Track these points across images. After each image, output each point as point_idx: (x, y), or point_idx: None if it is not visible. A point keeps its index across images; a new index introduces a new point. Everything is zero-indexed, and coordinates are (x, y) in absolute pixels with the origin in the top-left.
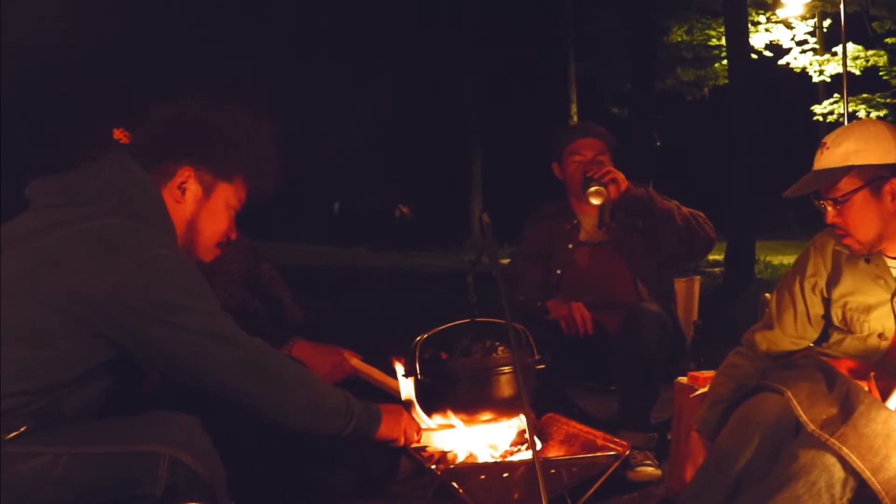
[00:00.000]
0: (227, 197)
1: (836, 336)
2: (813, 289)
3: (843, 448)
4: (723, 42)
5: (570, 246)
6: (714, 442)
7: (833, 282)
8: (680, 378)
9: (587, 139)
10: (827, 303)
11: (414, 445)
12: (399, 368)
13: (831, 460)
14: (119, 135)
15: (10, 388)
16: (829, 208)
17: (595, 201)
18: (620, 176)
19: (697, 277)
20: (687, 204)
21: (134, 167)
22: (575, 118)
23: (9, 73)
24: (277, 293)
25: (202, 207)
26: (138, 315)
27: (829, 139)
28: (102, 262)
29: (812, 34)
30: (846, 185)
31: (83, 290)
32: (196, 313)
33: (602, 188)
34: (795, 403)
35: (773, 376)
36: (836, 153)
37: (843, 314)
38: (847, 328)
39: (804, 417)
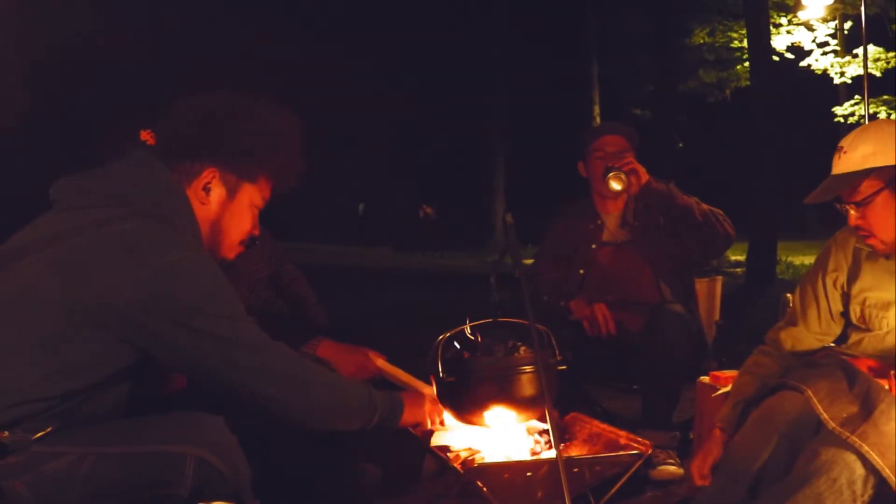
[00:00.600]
0: (251, 197)
1: (854, 336)
2: (835, 284)
3: (864, 446)
4: (744, 44)
5: (594, 246)
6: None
7: (853, 278)
8: (702, 377)
9: (611, 137)
10: (847, 299)
11: (438, 444)
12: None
13: (852, 457)
14: (146, 136)
15: (35, 392)
16: (852, 211)
17: (615, 185)
18: (641, 169)
19: (719, 278)
20: (708, 204)
21: (159, 168)
22: (598, 119)
23: (40, 74)
24: (301, 293)
25: (226, 208)
26: (161, 320)
27: (845, 143)
28: (125, 267)
29: (833, 36)
30: (867, 187)
31: (107, 295)
32: (218, 318)
33: (622, 173)
34: (816, 402)
35: (794, 375)
36: (853, 157)
37: (862, 311)
38: (866, 326)
39: (825, 415)
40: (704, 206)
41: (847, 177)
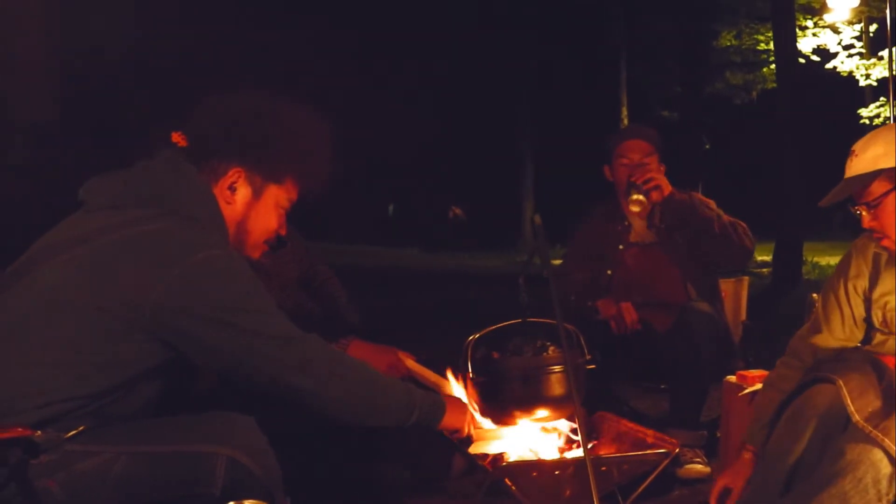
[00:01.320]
0: (277, 198)
1: (879, 337)
2: (856, 290)
3: (886, 440)
4: (771, 46)
5: (621, 247)
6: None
7: (874, 283)
8: (729, 377)
9: (634, 141)
10: (868, 304)
11: (472, 446)
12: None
13: (878, 456)
14: (177, 138)
15: (66, 392)
16: (864, 213)
17: (634, 209)
18: (664, 182)
19: (746, 278)
20: (735, 206)
21: (187, 168)
22: (625, 121)
23: (72, 74)
24: (332, 294)
25: (252, 209)
26: (190, 317)
27: (857, 147)
28: (154, 266)
29: (858, 39)
30: (877, 188)
31: (137, 295)
32: (248, 312)
33: (643, 198)
34: (845, 393)
35: (826, 367)
36: (864, 159)
37: (884, 315)
38: (889, 329)
39: (851, 407)
40: (725, 219)
41: (858, 178)
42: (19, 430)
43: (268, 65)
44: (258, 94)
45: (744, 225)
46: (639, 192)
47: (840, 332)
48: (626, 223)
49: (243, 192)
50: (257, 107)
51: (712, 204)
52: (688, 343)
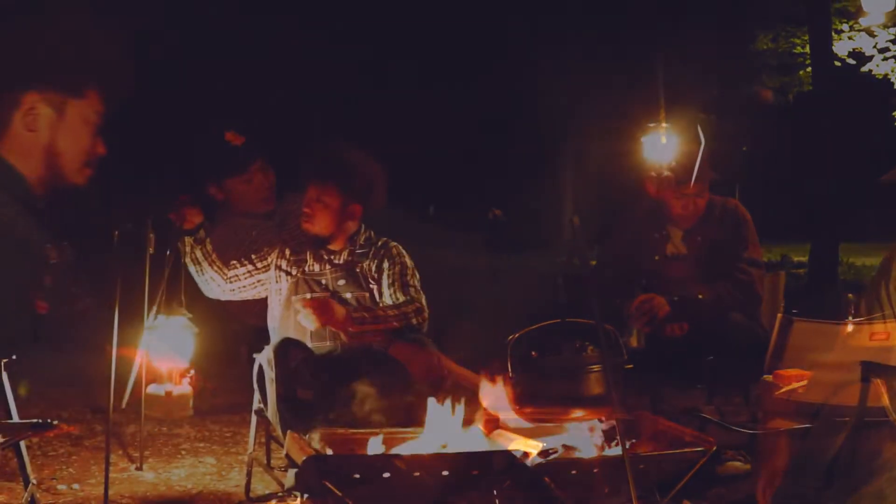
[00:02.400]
0: (82, 113)
1: None
2: None
3: None
4: (807, 50)
5: (657, 258)
6: None
7: None
8: (765, 376)
9: (686, 186)
10: None
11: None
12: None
13: None
14: (230, 137)
15: None
16: None
17: (635, 343)
18: (658, 307)
19: (782, 273)
20: (772, 207)
21: None
22: (663, 124)
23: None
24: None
25: (58, 130)
26: None
27: None
28: None
29: (894, 42)
30: None
31: None
32: None
33: (635, 339)
34: (884, 391)
35: (865, 366)
36: None
37: None
38: None
39: (889, 406)
40: (730, 288)
41: None
42: (64, 426)
43: (310, 66)
44: (31, 18)
45: (747, 279)
46: (637, 330)
47: (882, 334)
48: (664, 232)
49: (45, 114)
50: (31, 28)
51: (750, 224)
52: (725, 342)
